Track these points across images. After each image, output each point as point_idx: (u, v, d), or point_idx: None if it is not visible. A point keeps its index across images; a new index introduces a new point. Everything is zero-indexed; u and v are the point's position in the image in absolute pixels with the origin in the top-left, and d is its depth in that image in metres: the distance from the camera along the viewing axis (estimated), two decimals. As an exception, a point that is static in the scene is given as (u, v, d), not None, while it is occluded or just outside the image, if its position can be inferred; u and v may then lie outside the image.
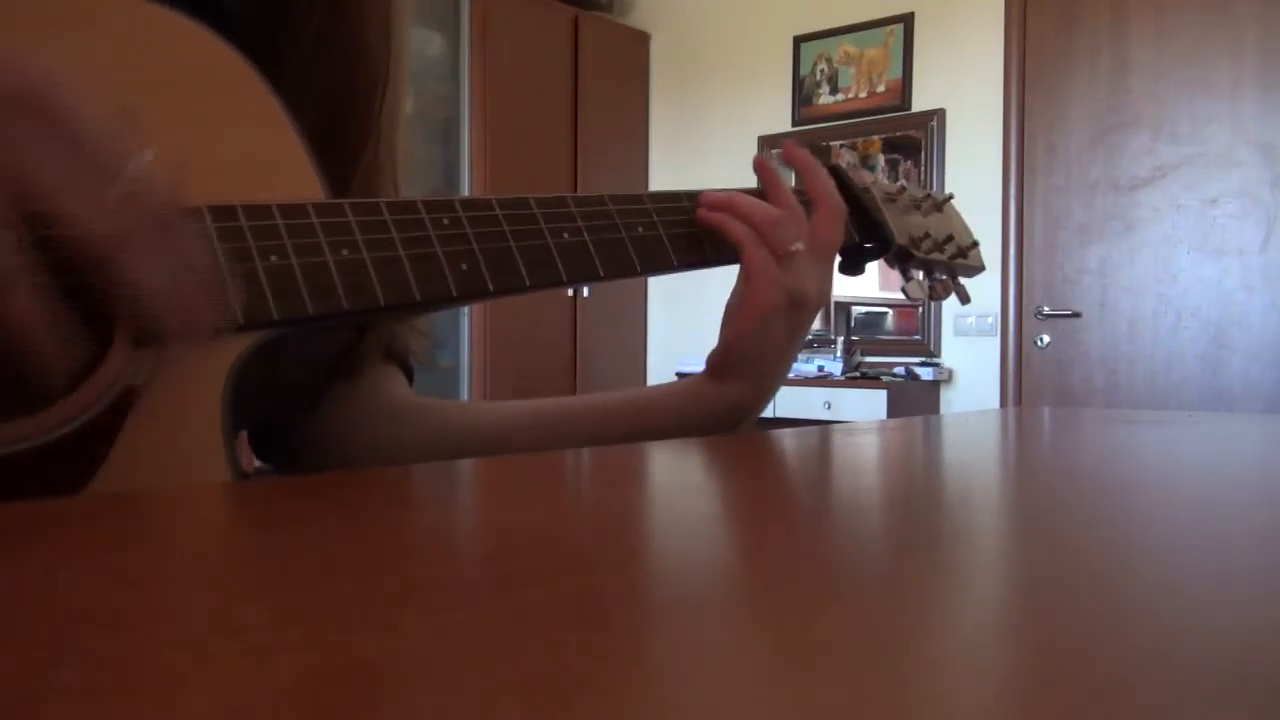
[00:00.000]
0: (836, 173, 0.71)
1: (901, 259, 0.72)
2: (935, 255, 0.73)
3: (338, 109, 0.58)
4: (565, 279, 0.53)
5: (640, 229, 0.57)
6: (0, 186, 0.32)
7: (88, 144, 0.35)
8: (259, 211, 0.44)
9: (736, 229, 0.60)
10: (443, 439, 0.64)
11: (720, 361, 0.61)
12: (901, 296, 3.72)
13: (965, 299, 0.77)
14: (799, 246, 0.60)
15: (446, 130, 3.75)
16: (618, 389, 0.65)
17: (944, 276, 0.76)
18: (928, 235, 0.73)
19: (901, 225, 0.71)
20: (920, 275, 0.74)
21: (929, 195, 0.76)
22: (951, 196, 0.78)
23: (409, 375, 0.68)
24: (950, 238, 0.74)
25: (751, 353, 0.60)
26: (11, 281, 0.32)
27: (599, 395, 0.65)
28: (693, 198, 0.61)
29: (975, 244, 0.77)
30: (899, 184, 0.75)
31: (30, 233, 0.33)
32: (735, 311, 0.60)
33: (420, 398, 0.67)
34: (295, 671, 0.16)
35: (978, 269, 0.78)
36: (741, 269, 0.60)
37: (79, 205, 0.34)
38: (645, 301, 4.36)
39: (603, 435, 0.62)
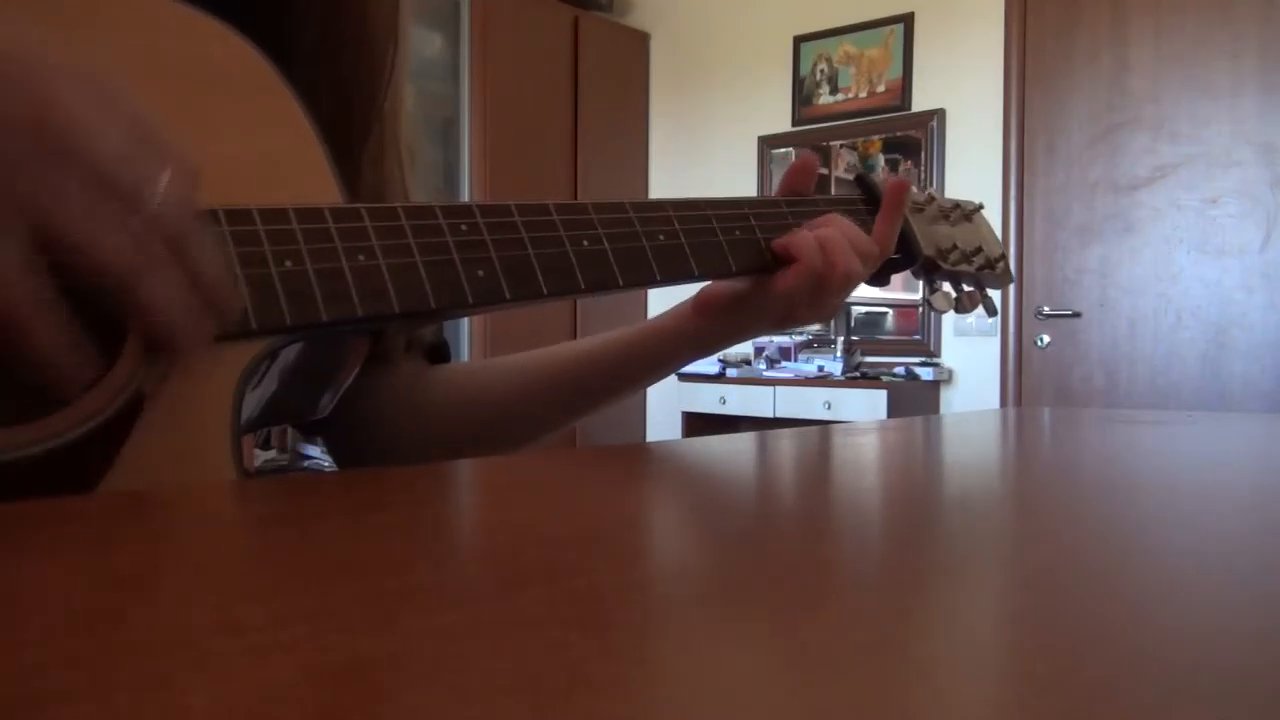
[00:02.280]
0: (863, 182, 0.69)
1: (928, 270, 0.70)
2: (963, 267, 0.71)
3: (343, 101, 0.58)
4: (584, 287, 0.52)
5: (661, 237, 0.56)
6: (21, 213, 0.33)
7: (108, 169, 0.35)
8: (275, 215, 0.43)
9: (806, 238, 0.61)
10: (438, 416, 0.66)
11: (714, 297, 0.62)
12: (902, 296, 3.72)
13: (993, 311, 0.75)
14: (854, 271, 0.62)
15: (446, 130, 3.75)
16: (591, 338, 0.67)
17: (970, 288, 0.74)
18: (955, 246, 0.70)
19: (928, 235, 0.69)
20: (946, 287, 0.73)
21: (958, 205, 0.74)
22: (981, 206, 0.76)
23: (445, 356, 0.69)
24: (979, 249, 0.72)
25: (753, 311, 0.62)
26: (31, 303, 0.33)
27: (588, 344, 0.67)
28: (715, 205, 0.60)
29: (1003, 255, 0.75)
30: (927, 193, 0.73)
31: (50, 257, 0.33)
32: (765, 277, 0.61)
33: (421, 367, 0.68)
34: (295, 671, 0.16)
35: (1006, 280, 0.75)
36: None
37: (98, 233, 0.34)
38: (645, 304, 4.36)
39: (588, 383, 0.65)
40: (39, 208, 0.33)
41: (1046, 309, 3.40)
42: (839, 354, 3.67)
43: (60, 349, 0.34)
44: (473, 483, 0.43)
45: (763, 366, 3.81)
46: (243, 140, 0.46)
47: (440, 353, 0.69)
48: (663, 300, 4.53)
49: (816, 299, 0.60)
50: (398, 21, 0.61)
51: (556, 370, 0.66)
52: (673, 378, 3.89)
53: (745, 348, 3.86)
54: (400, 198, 0.62)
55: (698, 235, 0.58)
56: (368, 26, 0.60)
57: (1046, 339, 3.40)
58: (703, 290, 0.63)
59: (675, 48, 4.34)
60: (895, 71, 3.76)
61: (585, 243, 0.53)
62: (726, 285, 0.62)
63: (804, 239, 0.60)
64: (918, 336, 3.75)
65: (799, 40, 3.99)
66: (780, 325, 0.62)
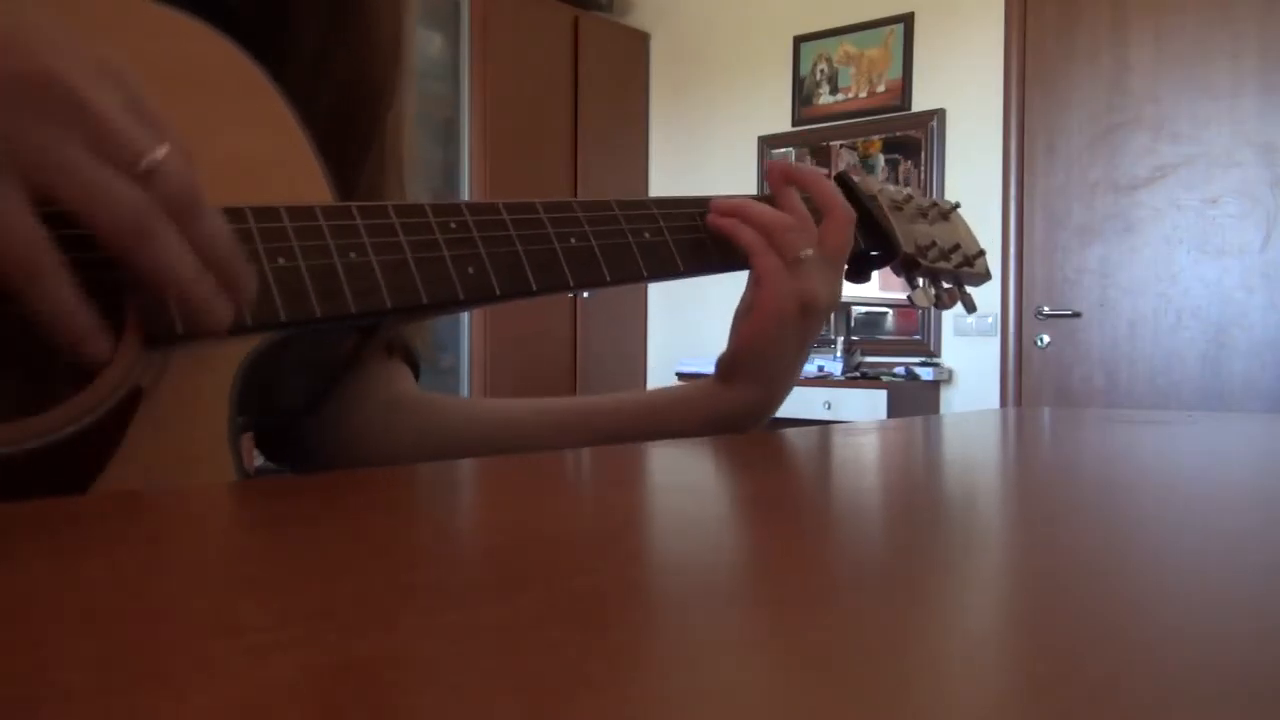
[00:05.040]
0: (843, 180, 0.70)
1: (908, 267, 0.72)
2: (941, 264, 0.73)
3: (345, 109, 0.58)
4: (572, 284, 0.53)
5: (647, 235, 0.57)
6: (21, 169, 0.33)
7: (111, 132, 0.35)
8: (267, 214, 0.44)
9: (747, 235, 0.59)
10: (439, 433, 0.64)
11: (730, 365, 0.61)
12: (901, 297, 3.72)
13: (971, 308, 0.77)
14: (808, 253, 0.60)
15: (446, 130, 3.75)
16: (622, 390, 0.65)
17: (950, 285, 0.75)
18: (934, 244, 0.72)
19: (908, 233, 0.71)
20: (926, 283, 0.74)
21: (935, 203, 0.76)
22: (958, 205, 0.78)
23: (415, 370, 0.68)
24: (957, 246, 0.74)
25: (762, 357, 0.60)
26: (39, 249, 0.33)
27: (605, 396, 0.64)
28: (700, 204, 0.61)
29: (981, 253, 0.77)
30: (906, 191, 0.74)
31: (54, 226, 0.33)
32: (745, 316, 0.60)
33: (422, 392, 0.67)
34: (296, 671, 0.16)
35: (984, 278, 0.77)
36: (751, 275, 0.60)
37: (100, 192, 0.34)
38: (645, 302, 4.36)
39: (610, 437, 0.61)
40: (39, 164, 0.33)
41: (1046, 309, 3.40)
42: (839, 354, 3.67)
43: (72, 299, 0.34)
44: (473, 483, 0.43)
45: (763, 366, 3.80)
46: (231, 141, 0.46)
47: (413, 362, 0.68)
48: (664, 311, 4.53)
49: (804, 271, 0.59)
50: (401, 34, 0.61)
51: (568, 414, 0.63)
52: (673, 377, 3.89)
53: (745, 348, 3.85)
54: None
55: (680, 232, 0.59)
56: (372, 37, 0.59)
57: (1046, 339, 3.40)
58: (720, 359, 0.61)
59: (675, 48, 4.34)
60: (895, 71, 3.76)
61: (573, 240, 0.54)
62: (743, 336, 0.60)
63: (732, 225, 0.59)
64: (918, 336, 3.75)
65: (799, 40, 3.99)
66: (804, 312, 0.59)
